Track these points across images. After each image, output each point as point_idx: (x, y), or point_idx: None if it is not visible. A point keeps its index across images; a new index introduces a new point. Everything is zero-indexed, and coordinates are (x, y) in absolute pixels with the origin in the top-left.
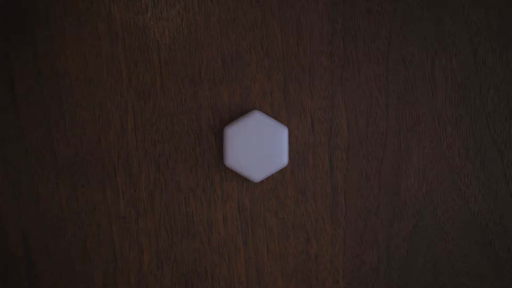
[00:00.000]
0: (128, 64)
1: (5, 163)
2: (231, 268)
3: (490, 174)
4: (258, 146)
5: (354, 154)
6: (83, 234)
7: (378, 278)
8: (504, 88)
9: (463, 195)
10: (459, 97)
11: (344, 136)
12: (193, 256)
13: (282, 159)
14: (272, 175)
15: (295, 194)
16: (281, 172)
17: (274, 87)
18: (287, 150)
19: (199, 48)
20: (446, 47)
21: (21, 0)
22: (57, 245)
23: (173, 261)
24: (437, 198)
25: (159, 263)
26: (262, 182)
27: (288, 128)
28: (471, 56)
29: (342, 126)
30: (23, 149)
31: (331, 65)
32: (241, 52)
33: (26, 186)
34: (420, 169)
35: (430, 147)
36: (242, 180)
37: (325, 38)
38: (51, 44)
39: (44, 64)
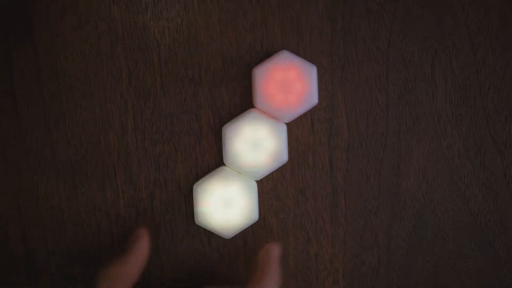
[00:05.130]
0: (128, 64)
1: (5, 163)
2: (231, 268)
3: (490, 174)
4: (257, 144)
5: (354, 154)
6: (83, 234)
7: (378, 278)
8: (504, 88)
9: (463, 195)
10: (459, 97)
11: (344, 136)
12: (193, 256)
13: (281, 156)
14: (272, 175)
15: (295, 194)
16: (281, 172)
17: None
18: (286, 147)
19: (199, 48)
20: (446, 47)
21: (21, 0)
22: (57, 245)
23: (173, 261)
24: (437, 198)
25: (159, 263)
26: (262, 181)
27: (288, 128)
28: (471, 56)
29: (342, 126)
30: (23, 149)
31: (331, 65)
32: (241, 52)
33: (26, 186)
34: (420, 169)
35: (430, 147)
36: None
37: (325, 38)
38: (51, 44)
39: (44, 64)
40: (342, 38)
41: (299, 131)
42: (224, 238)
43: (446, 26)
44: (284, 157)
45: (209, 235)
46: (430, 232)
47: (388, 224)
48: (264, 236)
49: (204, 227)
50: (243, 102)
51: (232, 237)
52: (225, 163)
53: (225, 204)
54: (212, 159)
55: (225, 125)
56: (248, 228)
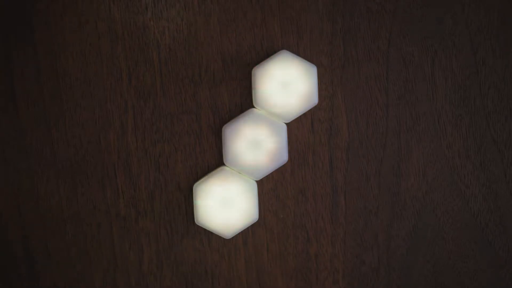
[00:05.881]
0: (128, 64)
1: (5, 163)
2: (231, 268)
3: (490, 174)
4: (257, 144)
5: (354, 154)
6: (83, 234)
7: (378, 278)
8: (504, 88)
9: (463, 195)
10: (459, 97)
11: (344, 136)
12: (193, 256)
13: (282, 156)
14: (272, 175)
15: (295, 194)
16: (281, 172)
17: None
18: (286, 147)
19: (199, 48)
20: (446, 47)
21: (21, 0)
22: (57, 245)
23: (173, 261)
24: (437, 198)
25: (159, 263)
26: (262, 181)
27: (288, 128)
28: (471, 56)
29: (342, 126)
30: (23, 149)
31: (331, 65)
32: (241, 52)
33: (26, 186)
34: (420, 169)
35: (430, 147)
36: None
37: (325, 38)
38: (51, 44)
39: (44, 64)
40: (342, 38)
41: (299, 131)
42: (224, 238)
43: (446, 26)
44: (284, 157)
45: (209, 235)
46: (430, 232)
47: (388, 224)
48: (264, 236)
49: (204, 227)
50: (243, 102)
51: (232, 237)
52: (225, 163)
53: (225, 204)
54: (212, 159)
55: (225, 125)
56: (248, 228)
